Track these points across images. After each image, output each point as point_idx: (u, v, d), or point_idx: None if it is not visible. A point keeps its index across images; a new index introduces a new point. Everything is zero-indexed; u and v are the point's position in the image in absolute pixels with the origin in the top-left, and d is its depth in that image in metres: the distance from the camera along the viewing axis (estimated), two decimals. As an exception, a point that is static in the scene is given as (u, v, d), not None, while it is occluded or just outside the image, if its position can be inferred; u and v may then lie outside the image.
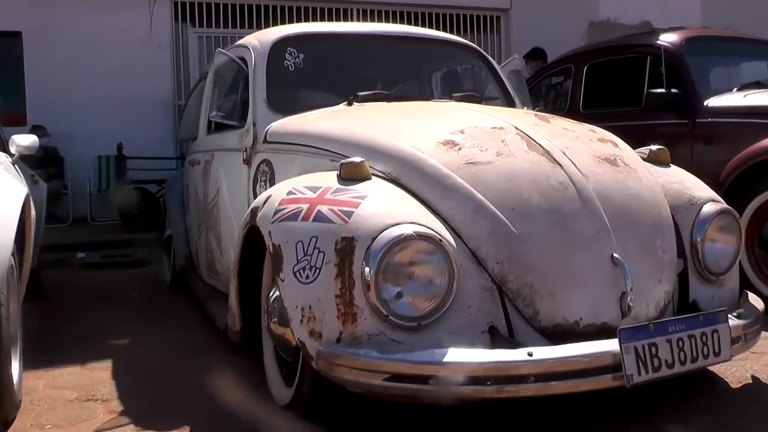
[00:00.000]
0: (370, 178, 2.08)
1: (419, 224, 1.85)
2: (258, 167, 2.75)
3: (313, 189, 2.03)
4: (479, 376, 1.71)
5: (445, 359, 1.70)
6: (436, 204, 2.00)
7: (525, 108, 3.36)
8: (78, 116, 6.67)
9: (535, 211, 1.97)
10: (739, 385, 2.42)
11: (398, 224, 1.83)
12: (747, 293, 2.44)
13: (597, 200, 2.04)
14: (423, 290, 1.81)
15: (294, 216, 1.94)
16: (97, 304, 4.04)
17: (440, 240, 1.82)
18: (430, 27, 8.25)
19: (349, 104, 2.86)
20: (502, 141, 2.17)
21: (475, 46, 3.44)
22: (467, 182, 2.01)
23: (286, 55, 2.98)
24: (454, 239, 1.92)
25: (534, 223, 1.96)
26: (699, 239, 2.26)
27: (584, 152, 2.22)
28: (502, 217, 1.94)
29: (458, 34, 8.52)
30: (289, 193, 2.05)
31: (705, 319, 1.96)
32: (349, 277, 1.79)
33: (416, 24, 8.19)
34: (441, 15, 8.39)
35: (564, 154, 2.15)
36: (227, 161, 3.10)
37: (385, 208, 1.90)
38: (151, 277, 4.75)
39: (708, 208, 2.31)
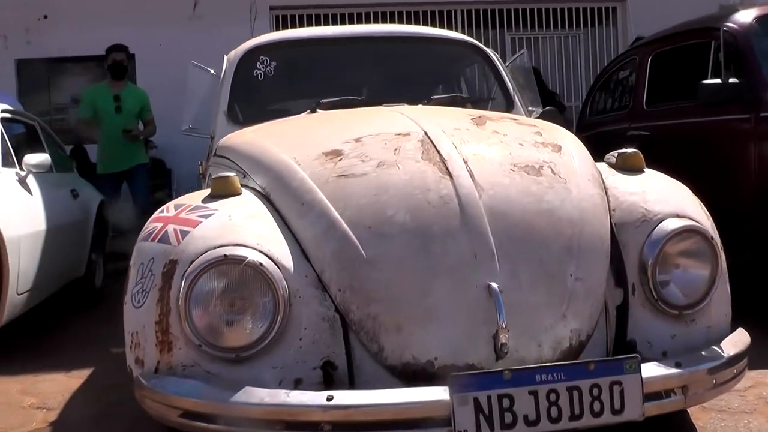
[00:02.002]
0: (239, 194, 1.93)
1: (248, 246, 1.67)
2: (207, 181, 2.69)
3: (178, 206, 1.92)
4: (268, 420, 1.50)
5: (233, 399, 1.51)
6: (293, 222, 1.81)
7: (531, 107, 3.01)
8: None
9: (395, 231, 1.71)
10: (715, 447, 1.95)
11: (222, 246, 1.66)
12: (741, 331, 1.95)
13: (486, 217, 1.72)
14: (239, 319, 1.63)
15: (147, 236, 1.84)
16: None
17: (260, 264, 1.63)
18: (540, 25, 7.81)
19: (313, 111, 2.72)
20: (396, 150, 1.92)
21: (476, 42, 3.11)
22: (330, 197, 1.79)
23: (258, 64, 2.90)
24: (300, 262, 1.71)
25: (390, 244, 1.69)
26: (649, 263, 1.84)
27: (497, 160, 1.90)
28: (353, 237, 1.70)
29: (570, 29, 7.96)
30: (161, 211, 1.96)
31: (599, 368, 1.56)
32: (167, 303, 1.66)
33: (526, 23, 7.78)
34: (552, 10, 7.84)
35: (465, 163, 1.85)
36: (201, 174, 3.09)
37: (220, 228, 1.74)
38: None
39: (665, 226, 1.87)
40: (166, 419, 1.60)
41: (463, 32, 7.99)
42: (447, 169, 1.82)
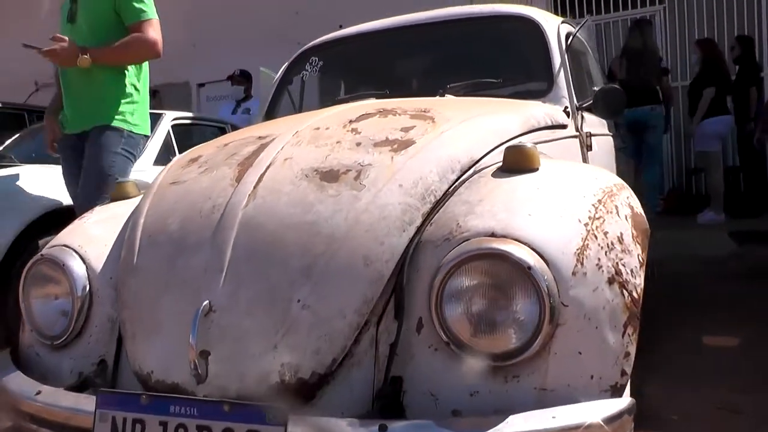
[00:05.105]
0: (133, 197, 2.15)
1: (69, 247, 1.89)
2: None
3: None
4: (4, 402, 1.70)
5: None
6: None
7: (592, 86, 2.47)
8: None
9: (162, 241, 1.73)
10: None
11: (54, 246, 1.92)
12: (616, 401, 1.39)
13: (235, 230, 1.62)
14: (50, 311, 1.86)
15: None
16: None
17: (63, 264, 1.83)
18: None
19: (334, 107, 2.73)
20: (233, 155, 1.91)
21: (528, 15, 2.61)
22: (152, 203, 1.89)
23: (306, 65, 3.02)
24: (111, 265, 1.86)
25: (152, 254, 1.73)
26: (434, 294, 1.46)
27: (301, 165, 1.75)
28: (136, 243, 1.78)
29: None
30: (101, 211, 2.30)
31: (235, 412, 1.37)
32: (22, 289, 2.00)
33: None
34: None
35: (268, 168, 1.75)
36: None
37: (69, 229, 2.00)
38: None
39: (464, 247, 1.46)
40: None
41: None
42: (242, 176, 1.74)
